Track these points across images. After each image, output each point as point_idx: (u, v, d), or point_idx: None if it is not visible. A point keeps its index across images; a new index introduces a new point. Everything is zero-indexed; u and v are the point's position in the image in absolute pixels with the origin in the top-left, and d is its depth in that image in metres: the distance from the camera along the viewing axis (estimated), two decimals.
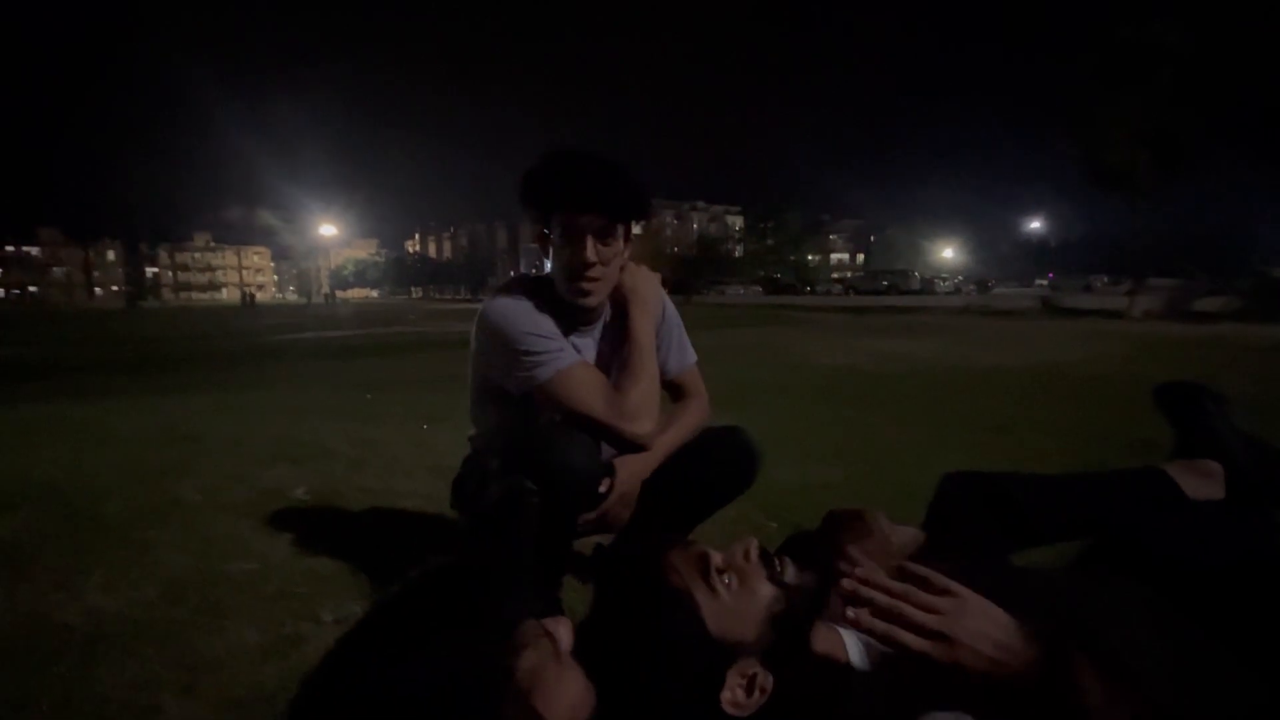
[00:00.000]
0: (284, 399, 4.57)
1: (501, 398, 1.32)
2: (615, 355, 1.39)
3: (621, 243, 1.29)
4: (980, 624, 0.65)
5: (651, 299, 1.41)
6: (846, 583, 0.69)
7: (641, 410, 1.27)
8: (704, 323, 10.38)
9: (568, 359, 1.26)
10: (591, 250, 1.24)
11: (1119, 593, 0.88)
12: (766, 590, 0.80)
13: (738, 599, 0.78)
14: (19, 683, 1.18)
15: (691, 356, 1.54)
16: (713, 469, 1.38)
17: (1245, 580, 0.89)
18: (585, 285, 1.27)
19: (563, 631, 0.71)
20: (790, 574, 0.82)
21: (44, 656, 1.25)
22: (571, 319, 1.34)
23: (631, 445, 1.29)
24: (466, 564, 0.75)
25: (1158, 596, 0.86)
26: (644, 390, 1.30)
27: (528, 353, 1.24)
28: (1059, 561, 1.16)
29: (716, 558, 0.81)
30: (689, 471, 1.36)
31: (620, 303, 1.39)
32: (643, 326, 1.36)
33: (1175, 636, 0.81)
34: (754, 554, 0.82)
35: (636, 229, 1.34)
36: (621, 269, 1.36)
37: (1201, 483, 1.13)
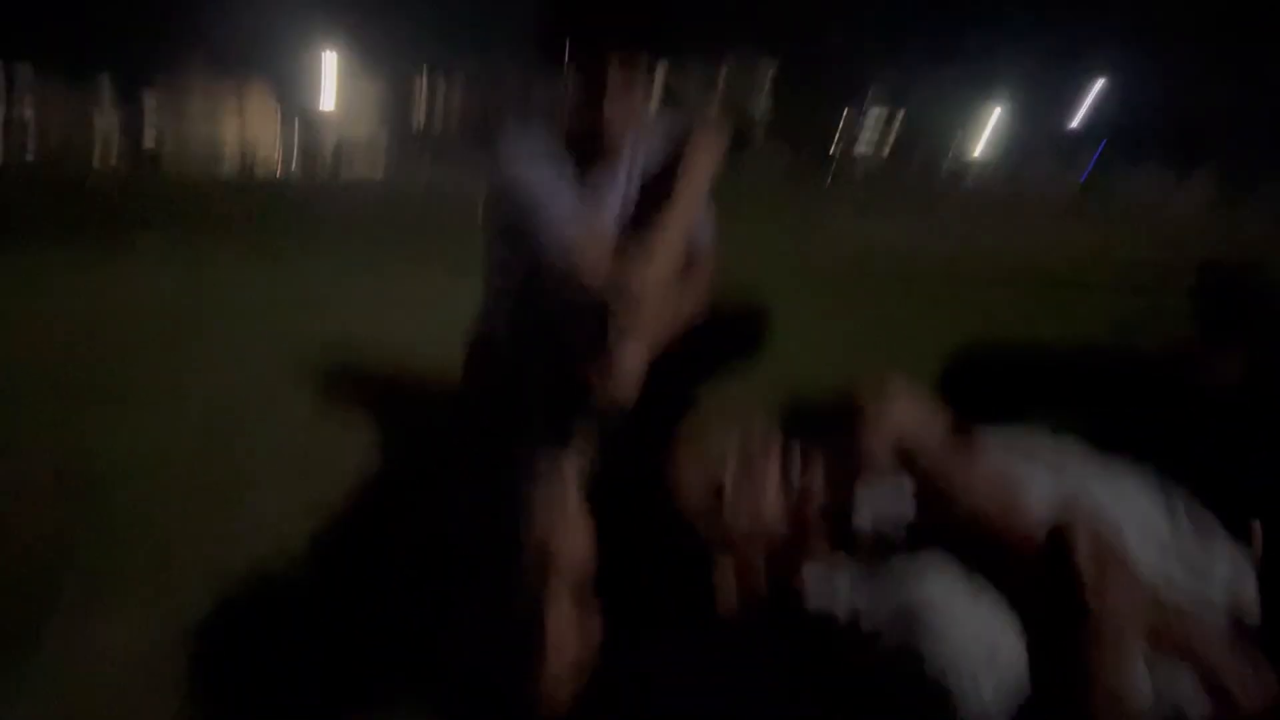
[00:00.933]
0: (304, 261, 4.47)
1: (513, 254, 1.26)
2: (641, 211, 1.30)
3: (645, 76, 1.19)
4: (991, 479, 0.68)
5: (708, 166, 1.27)
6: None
7: (643, 292, 1.14)
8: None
9: (568, 200, 1.18)
10: (614, 81, 1.15)
11: (1124, 471, 0.89)
12: (775, 498, 0.79)
13: (746, 504, 0.79)
14: None
15: (709, 229, 1.47)
16: (716, 338, 1.36)
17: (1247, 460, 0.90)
18: (607, 117, 1.18)
19: (573, 473, 0.73)
20: (809, 477, 0.81)
21: None
22: (589, 157, 1.25)
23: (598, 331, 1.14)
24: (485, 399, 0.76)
25: (1163, 477, 0.87)
26: (657, 268, 1.17)
27: (531, 181, 1.17)
28: (1064, 440, 1.18)
29: (730, 464, 0.79)
30: (691, 341, 1.32)
31: (671, 159, 1.28)
32: (689, 194, 1.23)
33: (1176, 516, 0.83)
34: (773, 457, 0.81)
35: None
36: (688, 134, 1.25)
37: (1218, 368, 1.12)
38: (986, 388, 1.14)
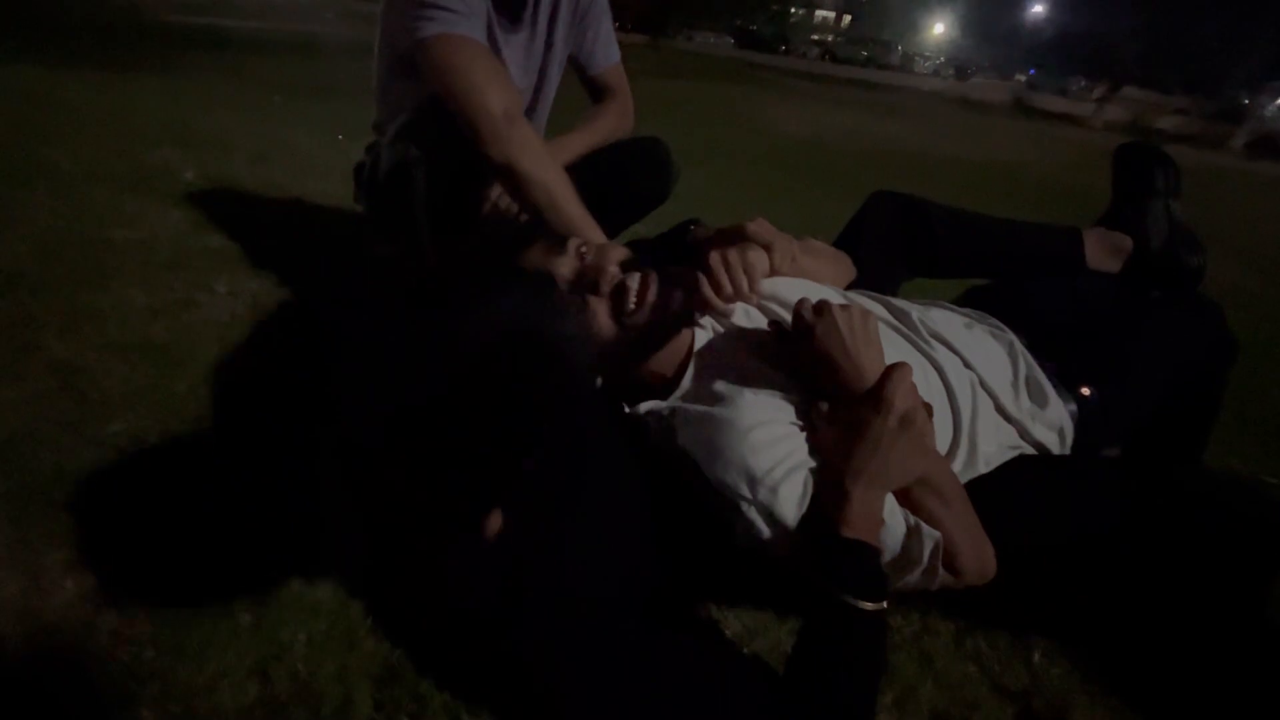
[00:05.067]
0: (178, 84, 3.96)
1: (406, 72, 1.15)
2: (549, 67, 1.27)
3: None
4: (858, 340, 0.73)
5: None
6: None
7: (533, 146, 1.03)
8: (667, 71, 9.42)
9: (465, 27, 1.06)
10: None
11: (984, 328, 0.95)
12: (605, 326, 0.76)
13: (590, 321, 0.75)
14: None
15: (616, 53, 1.38)
16: (624, 178, 1.31)
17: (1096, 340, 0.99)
18: None
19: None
20: (643, 314, 0.76)
21: None
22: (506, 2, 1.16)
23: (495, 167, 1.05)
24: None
25: (1018, 338, 0.95)
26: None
27: (425, 4, 1.04)
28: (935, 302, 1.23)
29: (565, 270, 0.76)
30: (597, 177, 1.25)
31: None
32: None
33: (1018, 370, 0.92)
34: (606, 287, 0.76)
35: None
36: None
37: (1106, 255, 1.17)
38: (885, 232, 1.12)
